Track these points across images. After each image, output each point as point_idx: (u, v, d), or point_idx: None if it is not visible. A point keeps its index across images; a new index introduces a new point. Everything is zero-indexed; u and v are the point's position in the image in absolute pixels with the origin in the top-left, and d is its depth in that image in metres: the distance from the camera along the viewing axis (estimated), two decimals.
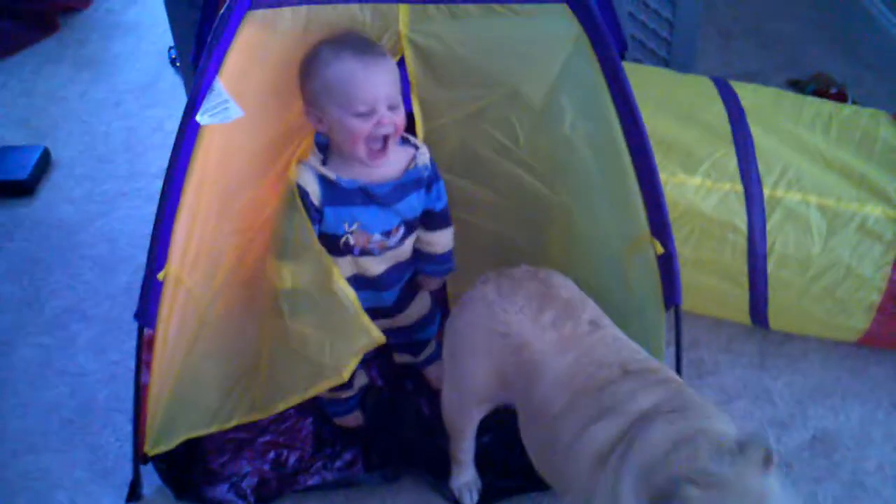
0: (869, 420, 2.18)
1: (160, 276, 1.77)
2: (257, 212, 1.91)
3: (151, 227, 2.61)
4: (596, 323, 1.72)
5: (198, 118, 1.69)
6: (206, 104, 1.70)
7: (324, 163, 1.80)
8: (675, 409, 1.49)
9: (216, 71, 1.70)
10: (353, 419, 2.15)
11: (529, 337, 1.70)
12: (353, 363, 1.84)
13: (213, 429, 2.04)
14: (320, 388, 1.89)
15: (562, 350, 1.66)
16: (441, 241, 1.98)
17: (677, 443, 1.41)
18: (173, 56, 3.50)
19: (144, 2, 3.96)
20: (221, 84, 1.71)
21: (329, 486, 2.04)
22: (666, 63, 2.93)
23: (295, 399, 1.93)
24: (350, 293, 1.81)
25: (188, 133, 1.71)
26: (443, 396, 1.94)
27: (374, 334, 1.82)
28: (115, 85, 3.46)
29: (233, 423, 2.04)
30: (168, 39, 3.56)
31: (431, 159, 1.88)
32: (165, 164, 3.04)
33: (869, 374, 2.28)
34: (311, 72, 1.73)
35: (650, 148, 1.76)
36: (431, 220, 1.94)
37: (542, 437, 1.69)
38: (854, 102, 2.93)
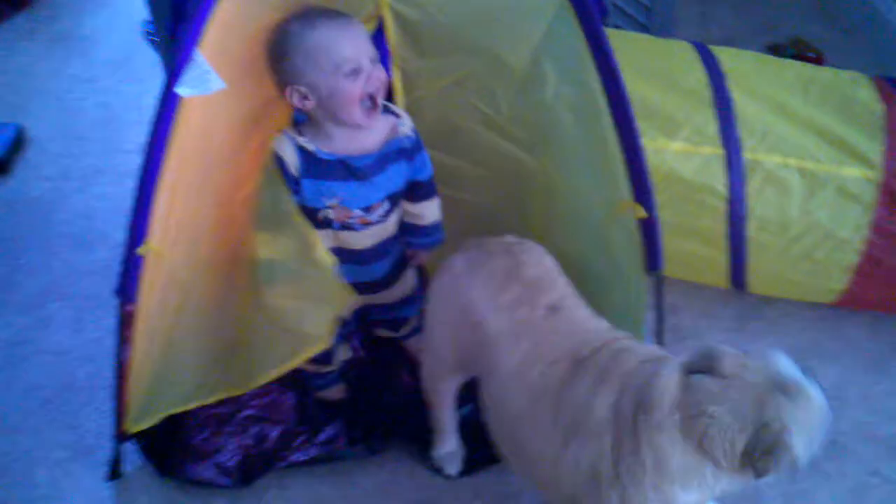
0: (846, 380, 2.20)
1: (140, 251, 1.74)
2: (237, 186, 1.89)
3: (130, 203, 2.60)
4: (554, 307, 1.69)
5: (178, 90, 1.66)
6: (186, 76, 1.68)
7: (301, 135, 1.79)
8: (637, 388, 1.50)
9: (195, 43, 1.67)
10: (337, 391, 2.15)
11: (485, 316, 1.70)
12: (332, 327, 1.85)
13: (194, 404, 2.03)
14: (303, 356, 1.88)
15: (515, 337, 1.66)
16: (427, 212, 1.96)
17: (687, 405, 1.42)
18: (148, 31, 3.45)
19: None
20: (202, 56, 1.69)
21: (312, 462, 2.04)
22: (645, 29, 2.92)
23: (277, 371, 1.92)
24: (328, 259, 1.80)
25: (168, 106, 1.67)
26: (422, 364, 1.94)
27: (348, 293, 1.83)
28: (90, 61, 3.41)
29: (213, 398, 2.04)
30: (142, 14, 3.52)
31: (413, 128, 1.87)
32: (143, 140, 3.00)
33: (845, 335, 2.30)
34: (287, 49, 1.71)
35: (632, 113, 1.75)
36: (416, 190, 1.93)
37: (503, 432, 1.71)
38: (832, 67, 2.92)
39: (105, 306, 2.39)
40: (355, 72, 1.69)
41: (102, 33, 3.58)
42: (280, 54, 1.72)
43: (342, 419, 2.10)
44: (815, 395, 1.44)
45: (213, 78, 1.71)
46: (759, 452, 1.37)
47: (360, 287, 1.93)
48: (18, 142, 2.98)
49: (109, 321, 2.35)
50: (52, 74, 3.34)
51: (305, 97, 1.73)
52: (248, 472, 2.02)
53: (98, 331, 2.37)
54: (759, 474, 1.39)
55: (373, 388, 2.15)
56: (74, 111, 3.16)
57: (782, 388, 1.41)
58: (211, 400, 2.03)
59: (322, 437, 2.07)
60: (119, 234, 2.57)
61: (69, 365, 2.30)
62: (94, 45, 3.51)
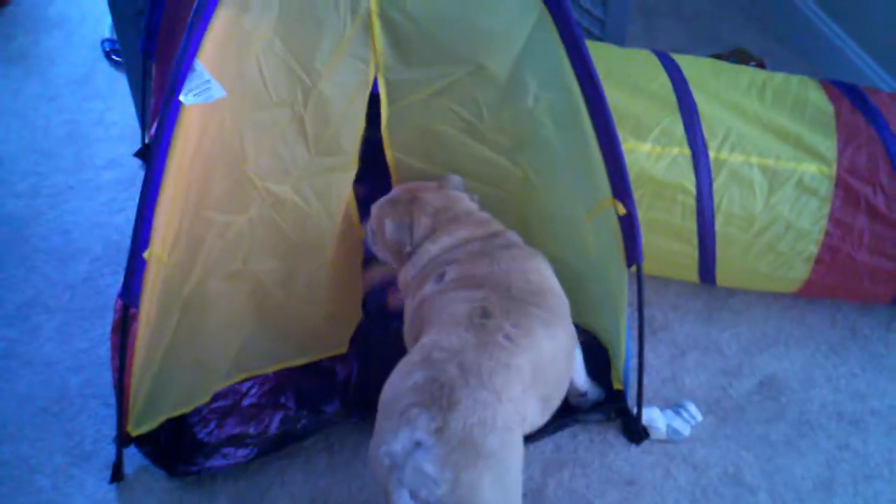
0: (810, 364, 2.34)
1: (145, 254, 1.79)
2: (239, 196, 1.94)
3: (104, 217, 2.63)
4: None
5: (181, 98, 1.72)
6: (189, 85, 1.74)
7: None
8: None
9: (196, 52, 1.73)
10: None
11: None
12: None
13: (195, 405, 2.09)
14: (322, 356, 2.09)
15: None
16: None
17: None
18: (108, 49, 3.47)
19: None
20: (202, 65, 1.74)
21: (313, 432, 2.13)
22: (599, 41, 3.04)
23: (290, 364, 2.11)
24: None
25: (170, 116, 1.73)
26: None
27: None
28: (50, 79, 3.42)
29: (210, 396, 2.12)
30: (100, 33, 3.56)
31: None
32: (111, 155, 3.07)
33: (807, 323, 2.45)
34: None
35: (610, 114, 1.85)
36: None
37: None
38: None
39: (91, 318, 2.45)
40: None
41: (59, 52, 3.58)
42: None
43: (339, 399, 2.18)
44: None
45: (214, 86, 1.77)
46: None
47: None
48: None
49: (96, 332, 2.41)
50: (13, 94, 3.34)
51: None
52: (256, 455, 2.08)
53: (86, 341, 2.40)
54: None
55: (375, 361, 2.20)
56: (40, 129, 3.17)
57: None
58: (208, 398, 2.11)
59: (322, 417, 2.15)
60: (98, 248, 2.63)
61: (61, 375, 2.33)
62: (51, 64, 3.51)
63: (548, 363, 1.76)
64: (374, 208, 2.06)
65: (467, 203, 2.02)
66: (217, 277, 1.99)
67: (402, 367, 1.68)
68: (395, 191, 2.07)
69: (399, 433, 1.55)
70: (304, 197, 1.98)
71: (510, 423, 1.62)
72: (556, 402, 1.85)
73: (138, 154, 2.86)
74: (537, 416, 1.78)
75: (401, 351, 1.81)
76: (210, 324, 2.02)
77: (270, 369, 2.17)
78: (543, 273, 1.90)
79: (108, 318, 2.23)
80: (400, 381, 1.64)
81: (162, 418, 2.05)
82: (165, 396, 2.04)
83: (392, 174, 2.16)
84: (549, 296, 1.85)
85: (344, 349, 2.13)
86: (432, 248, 1.94)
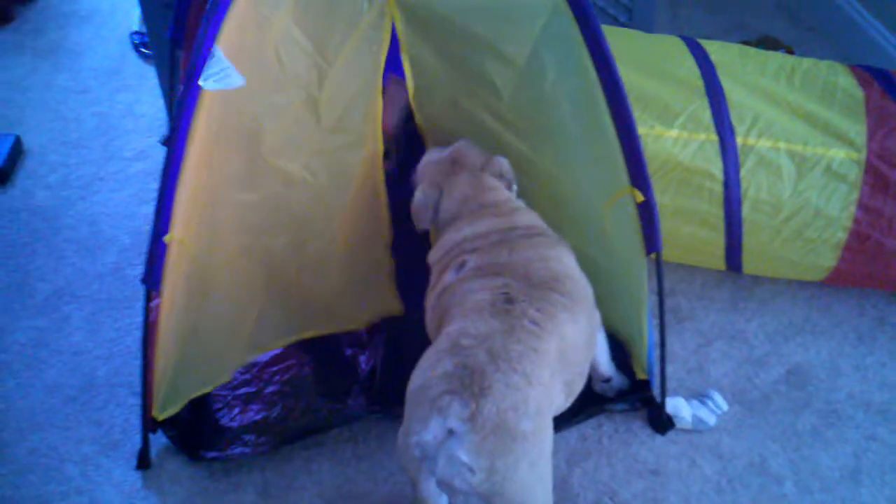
0: (837, 353, 2.32)
1: (166, 238, 1.80)
2: (253, 175, 1.97)
3: (132, 208, 2.66)
4: None
5: (200, 83, 1.73)
6: (208, 71, 1.74)
7: None
8: None
9: (214, 39, 1.74)
10: None
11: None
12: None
13: (216, 384, 2.14)
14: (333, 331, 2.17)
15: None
16: None
17: None
18: (136, 42, 3.50)
19: None
20: (221, 51, 1.75)
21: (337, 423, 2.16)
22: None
23: (301, 336, 2.21)
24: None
25: (189, 102, 1.74)
26: None
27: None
28: (79, 72, 3.45)
29: (230, 375, 2.17)
30: (129, 25, 3.58)
31: None
32: (139, 147, 3.09)
33: (833, 312, 2.42)
34: None
35: (628, 102, 1.83)
36: None
37: None
38: None
39: (119, 307, 2.47)
40: None
41: (88, 46, 3.61)
42: None
43: (363, 389, 2.19)
44: None
45: (233, 73, 1.78)
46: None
47: None
48: (17, 152, 3.02)
49: (124, 321, 2.43)
50: (44, 87, 3.37)
51: None
52: (279, 442, 2.10)
53: (114, 331, 2.42)
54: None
55: (400, 353, 2.23)
56: (70, 121, 3.20)
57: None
58: (229, 377, 2.16)
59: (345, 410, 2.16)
60: (125, 239, 2.66)
61: (89, 364, 2.35)
62: (81, 58, 3.54)
63: (571, 348, 1.75)
64: (422, 162, 2.08)
65: (498, 193, 2.00)
66: (230, 254, 2.01)
67: (429, 355, 1.67)
68: (450, 151, 2.05)
69: (430, 422, 1.53)
70: (312, 172, 2.00)
71: (542, 408, 1.61)
72: (578, 387, 1.84)
73: (165, 142, 2.88)
74: (562, 400, 1.77)
75: (425, 342, 1.80)
76: (226, 302, 2.04)
77: (283, 343, 2.22)
78: (564, 261, 1.89)
79: (136, 308, 2.26)
80: (429, 369, 1.62)
81: (185, 400, 2.08)
82: (188, 378, 2.07)
83: (424, 139, 2.21)
84: (569, 282, 1.84)
85: (359, 326, 2.17)
86: (454, 237, 1.94)
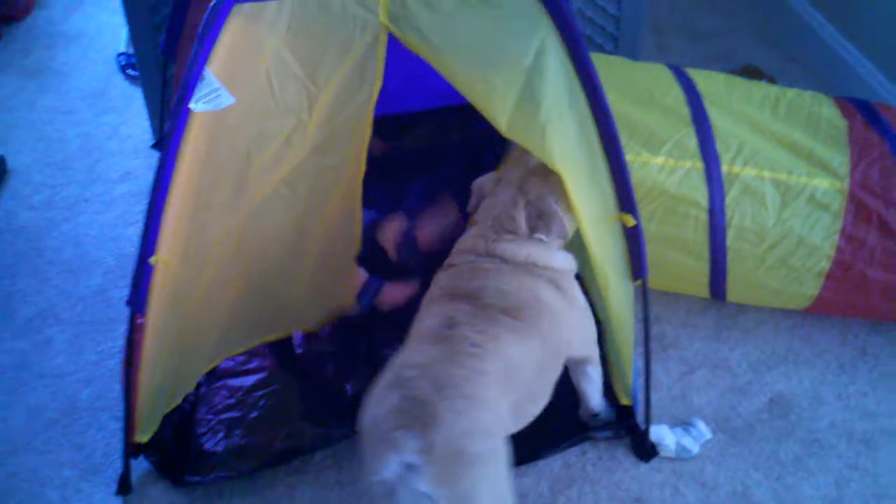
0: (819, 382, 2.33)
1: (152, 260, 1.79)
2: (240, 197, 1.96)
3: (117, 230, 2.65)
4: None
5: (191, 105, 1.73)
6: (198, 92, 1.75)
7: None
8: None
9: (206, 61, 1.74)
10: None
11: None
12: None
13: (182, 395, 2.16)
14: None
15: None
16: None
17: None
18: (123, 63, 3.50)
19: (85, 11, 3.95)
20: (212, 73, 1.75)
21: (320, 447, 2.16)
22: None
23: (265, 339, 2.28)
24: None
25: (179, 123, 1.74)
26: None
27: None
28: (65, 93, 3.45)
29: (194, 385, 2.21)
30: (115, 47, 3.58)
31: None
32: (125, 168, 3.08)
33: (816, 341, 2.43)
34: None
35: (616, 128, 1.85)
36: None
37: None
38: None
39: (102, 330, 2.45)
40: None
41: (75, 66, 3.61)
42: None
43: (349, 414, 2.18)
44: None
45: (223, 94, 1.78)
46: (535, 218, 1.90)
47: None
48: (1, 171, 3.00)
49: (107, 344, 2.42)
50: (30, 107, 3.37)
51: None
52: (261, 466, 2.09)
53: (96, 354, 2.41)
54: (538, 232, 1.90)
55: None
56: (55, 141, 3.19)
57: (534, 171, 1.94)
58: (193, 386, 2.21)
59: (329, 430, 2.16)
60: (110, 261, 2.65)
61: (70, 387, 2.33)
62: (67, 78, 3.54)
63: (516, 370, 1.75)
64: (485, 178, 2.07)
65: (519, 225, 1.94)
66: (214, 272, 2.00)
67: (376, 391, 1.67)
68: (534, 164, 1.96)
69: (387, 460, 1.54)
70: (292, 189, 1.99)
71: (492, 427, 1.63)
72: (528, 411, 1.85)
73: (155, 146, 2.87)
74: (510, 421, 1.76)
75: None
76: (201, 317, 2.04)
77: (244, 349, 2.26)
78: (533, 291, 1.85)
79: (120, 331, 2.24)
80: (377, 406, 1.63)
81: (159, 418, 2.07)
82: (163, 394, 2.06)
83: None
84: (529, 311, 1.81)
85: (315, 328, 2.30)
86: (464, 242, 1.96)
